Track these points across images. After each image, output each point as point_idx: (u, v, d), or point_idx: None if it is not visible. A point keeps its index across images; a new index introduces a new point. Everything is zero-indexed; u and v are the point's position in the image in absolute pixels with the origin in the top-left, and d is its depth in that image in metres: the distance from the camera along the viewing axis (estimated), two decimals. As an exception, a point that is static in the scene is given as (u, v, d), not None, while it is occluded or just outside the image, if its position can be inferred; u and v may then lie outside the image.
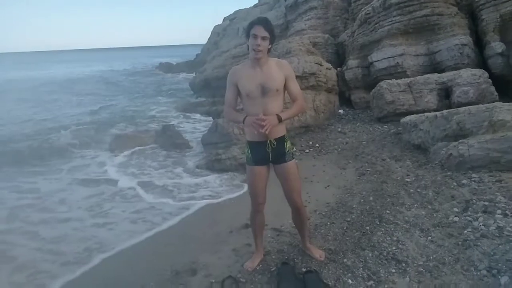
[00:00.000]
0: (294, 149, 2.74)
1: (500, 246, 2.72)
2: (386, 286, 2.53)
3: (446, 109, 5.59)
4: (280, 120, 2.51)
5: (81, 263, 3.47)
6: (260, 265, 2.98)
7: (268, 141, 2.59)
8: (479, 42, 8.03)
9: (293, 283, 2.62)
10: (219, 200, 4.83)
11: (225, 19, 24.20)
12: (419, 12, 8.00)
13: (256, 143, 2.65)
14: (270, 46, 2.54)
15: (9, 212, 4.77)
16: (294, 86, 2.66)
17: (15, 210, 4.83)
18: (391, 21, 8.32)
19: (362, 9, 9.43)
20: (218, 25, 23.93)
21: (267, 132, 2.44)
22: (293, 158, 2.72)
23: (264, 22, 2.48)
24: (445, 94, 6.82)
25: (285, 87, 2.63)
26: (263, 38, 2.45)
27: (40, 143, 8.33)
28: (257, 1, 20.66)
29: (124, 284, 3.05)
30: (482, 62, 7.70)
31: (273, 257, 3.10)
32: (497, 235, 2.88)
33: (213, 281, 2.85)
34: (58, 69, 41.92)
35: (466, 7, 8.41)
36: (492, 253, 2.67)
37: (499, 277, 2.40)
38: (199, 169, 6.13)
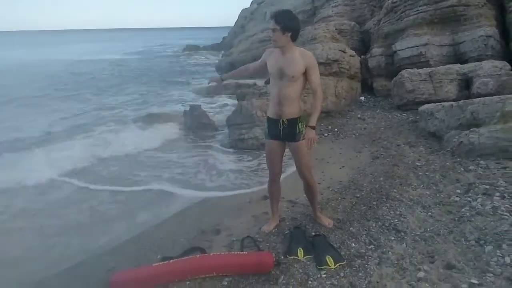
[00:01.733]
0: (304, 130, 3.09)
1: (492, 223, 3.03)
2: (384, 249, 2.90)
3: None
4: (313, 128, 2.91)
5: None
6: (276, 229, 3.41)
7: (281, 120, 2.97)
8: (506, 34, 8.03)
9: (303, 243, 3.03)
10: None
11: (252, 2, 24.32)
12: (446, 2, 8.03)
13: (272, 120, 3.05)
14: (290, 34, 2.84)
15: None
16: (315, 77, 2.94)
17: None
18: (417, 10, 8.39)
19: (389, -3, 9.49)
20: (246, 8, 24.09)
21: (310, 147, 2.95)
22: (303, 139, 3.03)
23: (274, 15, 2.84)
24: (466, 85, 6.94)
25: (306, 75, 2.94)
26: (273, 30, 2.82)
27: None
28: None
29: (158, 240, 3.53)
30: (508, 54, 7.71)
31: (287, 223, 3.51)
32: (491, 213, 3.17)
33: (234, 239, 3.31)
34: (100, 47, 44.23)
35: (494, -3, 8.36)
36: (483, 227, 2.98)
37: (485, 246, 2.73)
38: (224, 147, 6.60)
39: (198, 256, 2.88)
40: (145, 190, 4.95)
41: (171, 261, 2.84)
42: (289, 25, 2.83)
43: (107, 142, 7.01)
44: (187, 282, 2.70)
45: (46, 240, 3.72)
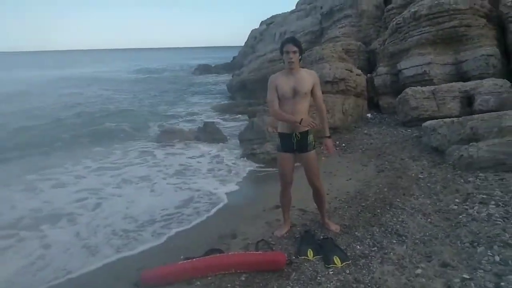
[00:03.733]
0: (315, 142, 3.51)
1: (486, 228, 3.31)
2: (386, 251, 3.20)
3: (466, 116, 6.07)
4: (330, 137, 3.57)
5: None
6: (287, 234, 3.73)
7: (294, 134, 3.34)
8: (508, 53, 8.36)
9: (312, 245, 3.35)
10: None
11: (262, 23, 25.05)
12: (448, 23, 8.44)
13: (285, 135, 3.42)
14: (300, 57, 3.32)
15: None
16: (319, 92, 3.45)
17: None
18: (421, 31, 8.80)
19: (394, 18, 9.94)
20: (255, 29, 24.83)
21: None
22: (314, 149, 3.46)
23: (292, 40, 3.30)
24: (468, 102, 7.25)
25: (312, 92, 3.38)
26: (294, 52, 3.24)
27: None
28: (293, 7, 21.35)
29: (180, 242, 3.88)
30: (510, 72, 8.02)
31: (298, 228, 3.83)
32: (486, 219, 3.46)
33: (250, 242, 3.63)
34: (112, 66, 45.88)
35: (495, 19, 8.74)
36: (477, 232, 3.27)
37: (478, 248, 3.02)
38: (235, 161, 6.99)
39: (218, 255, 3.22)
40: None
41: (194, 259, 3.17)
42: (302, 50, 3.33)
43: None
44: (209, 278, 3.03)
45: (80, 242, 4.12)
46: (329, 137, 3.54)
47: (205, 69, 33.03)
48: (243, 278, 2.99)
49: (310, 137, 3.42)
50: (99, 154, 7.84)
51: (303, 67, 3.57)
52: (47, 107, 15.14)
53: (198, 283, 2.99)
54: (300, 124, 3.24)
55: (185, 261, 3.17)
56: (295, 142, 3.38)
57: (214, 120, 10.75)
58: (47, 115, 13.27)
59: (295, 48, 3.24)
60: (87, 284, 3.32)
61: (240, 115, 11.69)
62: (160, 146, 8.32)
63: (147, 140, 9.03)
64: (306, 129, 3.36)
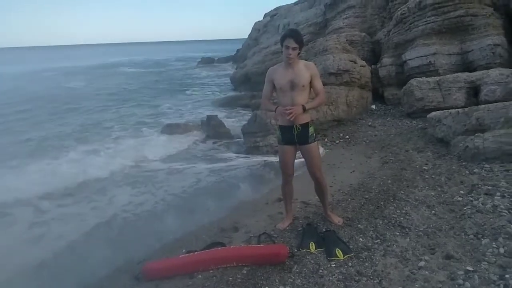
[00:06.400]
0: (315, 133, 3.45)
1: (491, 219, 3.27)
2: (389, 243, 3.17)
3: (472, 107, 5.98)
4: (304, 109, 3.22)
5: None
6: (289, 227, 3.70)
7: (294, 126, 3.31)
8: (515, 43, 8.20)
9: (314, 238, 3.32)
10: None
11: (265, 15, 24.82)
12: (454, 13, 8.29)
13: (285, 127, 3.38)
14: (300, 51, 3.24)
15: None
16: (318, 83, 3.36)
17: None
18: (426, 21, 8.66)
19: (399, 8, 9.79)
20: (259, 21, 24.61)
21: (292, 119, 3.18)
22: (314, 141, 3.41)
23: (294, 35, 3.19)
24: (474, 93, 7.13)
25: (311, 84, 3.32)
26: (294, 49, 3.16)
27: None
28: (297, -1, 21.14)
29: (182, 235, 3.87)
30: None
31: (300, 221, 3.80)
32: (491, 211, 3.41)
33: (252, 235, 3.61)
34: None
35: (502, 7, 8.57)
36: (482, 223, 3.23)
37: (482, 239, 2.98)
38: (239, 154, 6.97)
39: (220, 248, 3.21)
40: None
41: (196, 252, 3.17)
42: (302, 44, 3.25)
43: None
44: (211, 271, 3.02)
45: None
46: (303, 108, 3.20)
47: (208, 62, 32.95)
48: (245, 271, 2.98)
49: (311, 129, 3.38)
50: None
51: (306, 59, 3.52)
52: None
53: (200, 276, 2.98)
54: (275, 112, 3.28)
55: (186, 255, 3.16)
56: (296, 134, 3.35)
57: (217, 113, 10.71)
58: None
59: (296, 45, 3.17)
60: (88, 277, 3.33)
61: (239, 108, 11.68)
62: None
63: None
64: (306, 121, 3.33)
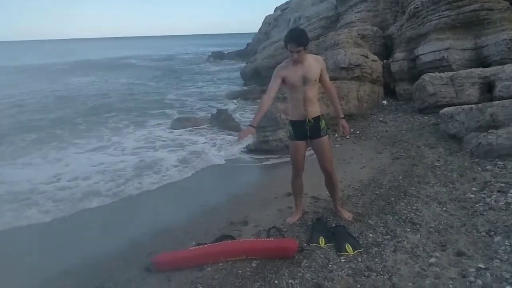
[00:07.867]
0: (327, 127, 3.45)
1: (504, 217, 3.23)
2: (400, 239, 3.15)
3: (486, 103, 5.87)
4: (344, 118, 3.52)
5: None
6: (299, 221, 3.70)
7: (307, 120, 3.29)
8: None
9: (324, 232, 3.32)
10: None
11: (276, 9, 24.64)
12: (468, 7, 8.13)
13: (297, 122, 3.37)
14: (306, 48, 3.20)
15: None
16: (327, 77, 3.43)
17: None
18: (439, 15, 8.51)
19: (412, 2, 9.63)
20: (270, 15, 24.46)
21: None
22: (326, 134, 3.41)
23: (296, 39, 3.13)
24: (488, 88, 7.01)
25: (320, 77, 3.32)
26: (297, 52, 3.14)
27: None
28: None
29: (194, 230, 3.90)
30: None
31: (310, 216, 3.80)
32: (504, 208, 3.36)
33: (261, 229, 3.63)
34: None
35: (519, 1, 8.39)
36: (495, 221, 3.19)
37: (495, 237, 2.94)
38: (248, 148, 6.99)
39: (229, 241, 3.22)
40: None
41: (206, 245, 3.19)
42: (307, 42, 3.21)
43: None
44: (220, 264, 3.04)
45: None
46: (343, 117, 3.50)
47: (218, 56, 32.93)
48: (254, 265, 2.99)
49: (322, 122, 3.38)
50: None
51: (317, 54, 3.51)
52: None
53: (210, 268, 3.00)
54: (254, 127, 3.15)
55: (196, 247, 3.18)
56: (308, 129, 3.34)
57: (228, 107, 10.72)
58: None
59: (299, 48, 3.13)
60: (99, 269, 3.37)
61: (249, 102, 11.68)
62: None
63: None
64: (318, 114, 3.34)
